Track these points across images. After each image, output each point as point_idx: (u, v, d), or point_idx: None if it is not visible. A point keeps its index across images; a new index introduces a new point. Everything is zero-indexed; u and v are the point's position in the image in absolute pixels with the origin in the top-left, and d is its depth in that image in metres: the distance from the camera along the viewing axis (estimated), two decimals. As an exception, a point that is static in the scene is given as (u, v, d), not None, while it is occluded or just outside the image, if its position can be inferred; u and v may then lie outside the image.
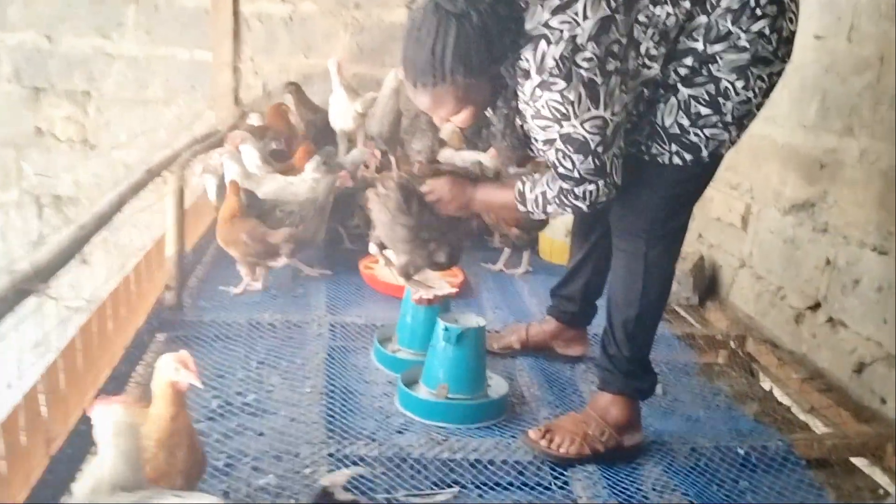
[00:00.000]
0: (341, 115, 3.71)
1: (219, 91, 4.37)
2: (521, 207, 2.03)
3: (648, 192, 1.97)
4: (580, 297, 2.56)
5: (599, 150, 1.78)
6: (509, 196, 2.05)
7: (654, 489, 1.98)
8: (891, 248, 2.41)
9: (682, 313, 3.30)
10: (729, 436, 2.26)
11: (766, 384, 2.80)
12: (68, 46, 4.39)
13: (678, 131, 1.90)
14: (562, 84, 1.71)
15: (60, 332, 2.16)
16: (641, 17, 1.78)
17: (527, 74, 1.76)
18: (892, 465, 2.21)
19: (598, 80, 1.71)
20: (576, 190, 1.86)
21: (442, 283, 2.54)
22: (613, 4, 1.71)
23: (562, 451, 2.02)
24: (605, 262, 2.50)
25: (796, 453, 2.18)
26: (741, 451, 2.16)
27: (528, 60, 1.74)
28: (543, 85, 1.73)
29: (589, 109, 1.73)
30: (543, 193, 1.95)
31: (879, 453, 2.25)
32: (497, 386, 2.32)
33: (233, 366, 2.44)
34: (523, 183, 2.01)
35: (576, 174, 1.83)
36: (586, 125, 1.75)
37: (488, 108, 1.93)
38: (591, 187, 1.85)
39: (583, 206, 1.88)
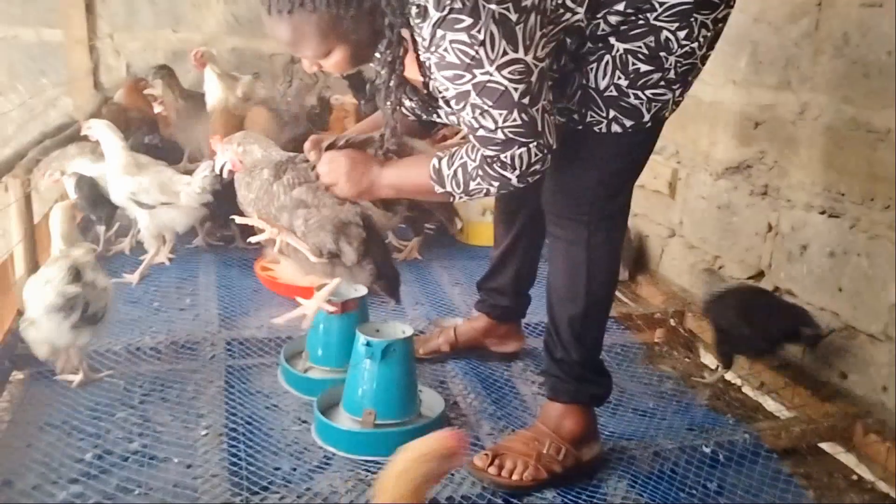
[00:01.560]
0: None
1: (74, 74, 3.82)
2: (437, 189, 1.64)
3: (585, 167, 1.68)
4: (511, 288, 2.27)
5: (525, 101, 1.45)
6: (424, 176, 1.66)
7: (622, 509, 1.73)
8: (843, 211, 2.22)
9: (613, 291, 3.08)
10: (689, 431, 2.04)
11: (709, 360, 2.61)
12: None
13: (615, 93, 1.61)
14: (467, 21, 1.38)
15: None
16: None
17: (424, 13, 1.42)
18: (862, 446, 2.03)
19: (513, 17, 1.39)
20: (502, 156, 1.51)
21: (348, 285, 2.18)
22: None
23: (514, 478, 1.72)
24: (537, 247, 2.23)
25: (765, 445, 1.98)
26: (707, 450, 1.95)
27: None
28: (445, 23, 1.40)
29: (506, 53, 1.40)
30: (464, 166, 1.58)
31: (848, 435, 2.07)
32: (431, 402, 1.99)
33: (111, 405, 2.03)
34: (439, 159, 1.63)
35: (500, 135, 1.49)
36: (505, 72, 1.42)
37: (371, 55, 1.56)
38: (521, 150, 1.50)
39: (512, 176, 1.53)
